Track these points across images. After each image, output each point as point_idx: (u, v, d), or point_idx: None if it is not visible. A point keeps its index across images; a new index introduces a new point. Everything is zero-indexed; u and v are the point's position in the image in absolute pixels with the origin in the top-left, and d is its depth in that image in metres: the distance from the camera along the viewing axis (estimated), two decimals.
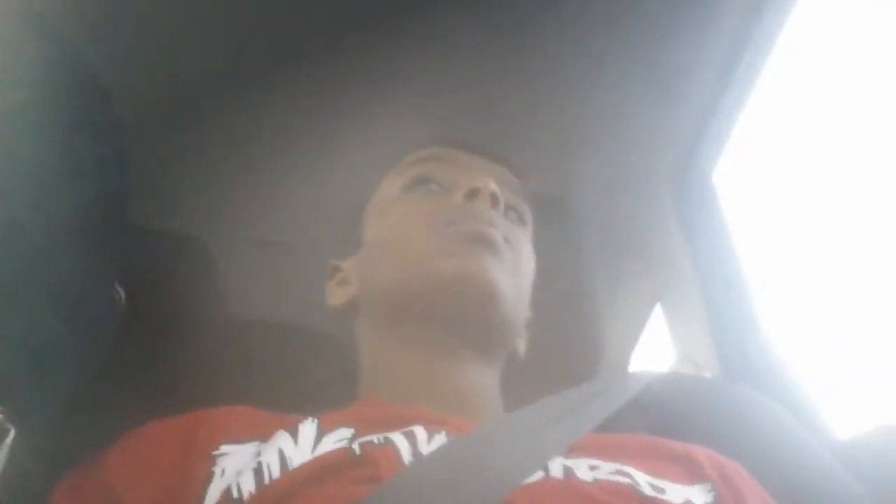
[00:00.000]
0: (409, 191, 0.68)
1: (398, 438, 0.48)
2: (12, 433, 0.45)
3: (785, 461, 0.61)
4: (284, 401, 0.62)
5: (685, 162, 0.96)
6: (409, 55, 0.83)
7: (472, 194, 0.63)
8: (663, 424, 0.59)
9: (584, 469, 0.48)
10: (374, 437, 0.48)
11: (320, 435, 0.51)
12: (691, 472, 0.52)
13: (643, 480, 0.47)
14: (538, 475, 0.46)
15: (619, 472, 0.48)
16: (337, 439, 0.50)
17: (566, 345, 0.76)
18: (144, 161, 0.62)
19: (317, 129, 0.89)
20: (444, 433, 0.50)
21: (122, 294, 0.60)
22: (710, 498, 0.49)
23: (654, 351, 1.02)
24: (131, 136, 0.60)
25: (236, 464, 0.49)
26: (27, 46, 0.55)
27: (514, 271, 0.62)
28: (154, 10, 0.75)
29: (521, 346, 0.68)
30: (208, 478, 0.48)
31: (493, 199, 0.63)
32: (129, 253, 0.63)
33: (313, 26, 0.83)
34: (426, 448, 0.48)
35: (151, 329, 0.66)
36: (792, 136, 0.98)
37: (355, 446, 0.47)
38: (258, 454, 0.49)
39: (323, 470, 0.45)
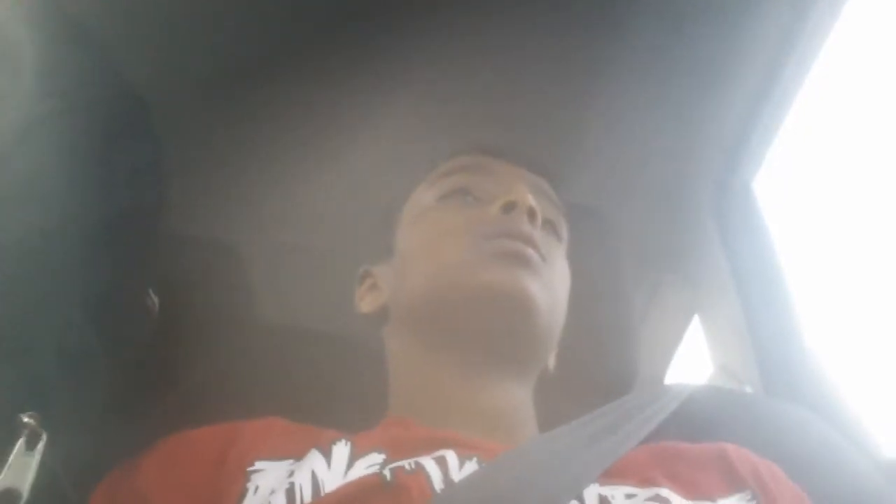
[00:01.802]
0: (444, 200, 0.66)
1: (429, 464, 0.48)
2: (44, 438, 0.46)
3: (828, 479, 0.59)
4: (316, 409, 0.62)
5: (725, 169, 0.94)
6: (444, 61, 0.83)
7: (509, 207, 0.61)
8: (701, 440, 0.57)
9: (620, 498, 0.46)
10: (406, 463, 0.48)
11: (353, 458, 0.50)
12: (728, 479, 0.51)
13: None
14: None
15: (656, 498, 0.46)
16: (369, 464, 0.49)
17: (601, 356, 0.75)
18: (176, 167, 0.63)
19: (351, 136, 0.90)
20: (475, 459, 0.49)
21: (156, 301, 0.61)
22: None
23: (692, 363, 1.00)
24: (164, 143, 0.61)
25: (270, 482, 0.49)
26: (63, 55, 0.56)
27: (549, 287, 0.61)
28: (179, 17, 0.76)
29: (552, 360, 0.67)
30: (242, 494, 0.48)
31: (531, 214, 0.61)
32: (162, 260, 0.63)
33: (347, 32, 0.83)
34: (457, 475, 0.47)
35: (183, 336, 0.67)
36: (837, 143, 0.95)
37: (387, 472, 0.47)
38: (291, 474, 0.49)
39: (355, 496, 0.45)
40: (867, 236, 0.92)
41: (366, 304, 0.68)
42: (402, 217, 0.69)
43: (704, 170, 0.95)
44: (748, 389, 0.85)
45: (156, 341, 0.61)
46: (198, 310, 0.73)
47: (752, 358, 0.86)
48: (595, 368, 0.73)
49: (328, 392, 0.70)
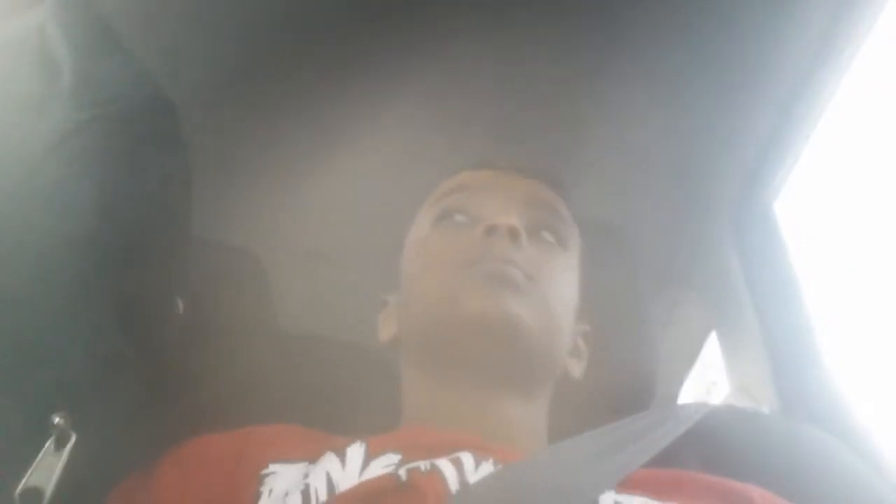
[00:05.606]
0: (437, 225, 0.67)
1: (445, 465, 0.48)
2: (73, 439, 0.46)
3: None
4: (334, 417, 0.63)
5: (746, 188, 0.94)
6: (469, 80, 0.84)
7: (491, 231, 0.61)
8: (717, 460, 0.57)
9: None
10: (421, 464, 0.48)
11: (368, 459, 0.51)
12: None
13: None
14: None
15: None
16: (384, 465, 0.50)
17: (618, 372, 0.75)
18: (201, 172, 0.63)
19: (373, 145, 0.90)
20: (491, 461, 0.49)
21: (182, 305, 0.61)
22: None
23: (708, 381, 0.99)
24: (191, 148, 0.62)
25: (284, 484, 0.49)
26: (97, 62, 0.57)
27: (540, 305, 0.60)
28: (199, 21, 0.76)
29: (574, 367, 0.66)
30: (256, 497, 0.49)
31: (512, 234, 0.61)
32: (188, 265, 0.64)
33: (369, 38, 0.84)
34: (473, 476, 0.47)
35: (204, 341, 0.68)
36: (861, 165, 0.94)
37: (402, 472, 0.47)
38: (306, 475, 0.49)
39: (369, 496, 0.46)
40: (889, 259, 0.91)
41: (383, 332, 0.69)
42: (406, 245, 0.70)
43: (726, 189, 0.95)
44: (765, 410, 0.85)
45: (179, 346, 0.62)
46: (217, 316, 0.73)
47: (770, 378, 0.85)
48: (613, 385, 0.73)
49: (346, 400, 0.71)
